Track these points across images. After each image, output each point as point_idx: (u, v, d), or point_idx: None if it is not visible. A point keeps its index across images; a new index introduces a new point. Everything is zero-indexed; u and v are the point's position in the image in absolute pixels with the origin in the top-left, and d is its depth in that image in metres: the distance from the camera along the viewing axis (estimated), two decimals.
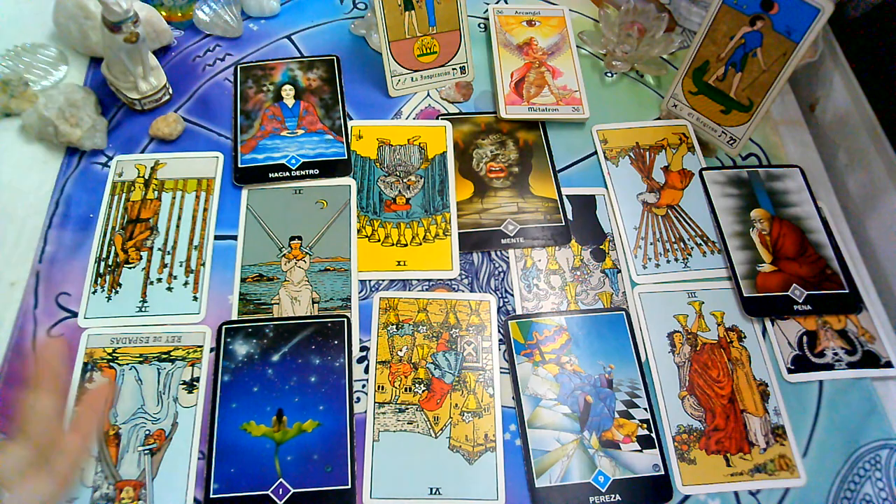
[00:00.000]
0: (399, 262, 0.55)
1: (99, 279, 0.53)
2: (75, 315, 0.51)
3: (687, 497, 0.48)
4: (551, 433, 0.49)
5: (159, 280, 0.53)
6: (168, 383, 0.48)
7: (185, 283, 0.53)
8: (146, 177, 0.58)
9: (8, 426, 0.46)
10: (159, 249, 0.54)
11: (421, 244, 0.56)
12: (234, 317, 0.51)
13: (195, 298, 0.52)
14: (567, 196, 0.60)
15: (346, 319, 0.51)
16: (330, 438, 0.47)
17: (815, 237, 0.58)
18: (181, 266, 0.54)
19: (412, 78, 0.65)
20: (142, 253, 0.54)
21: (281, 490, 0.45)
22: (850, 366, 0.53)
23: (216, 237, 0.55)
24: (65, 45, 0.64)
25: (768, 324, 0.55)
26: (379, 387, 0.49)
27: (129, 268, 0.53)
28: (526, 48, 0.68)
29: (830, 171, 0.66)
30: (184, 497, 0.45)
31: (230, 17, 0.67)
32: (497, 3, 0.74)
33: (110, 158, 0.59)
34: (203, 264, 0.54)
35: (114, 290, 0.52)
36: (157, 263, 0.54)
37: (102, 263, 0.53)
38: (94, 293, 0.52)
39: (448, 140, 0.62)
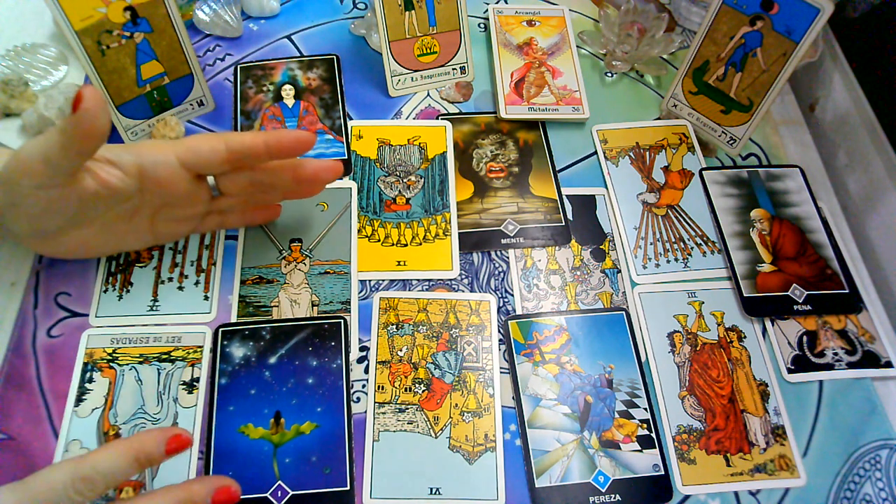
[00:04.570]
0: (399, 262, 0.55)
1: (110, 278, 0.53)
2: (75, 315, 0.51)
3: (687, 497, 0.48)
4: (551, 433, 0.49)
5: (170, 279, 0.53)
6: (168, 384, 0.49)
7: (196, 283, 0.53)
8: None
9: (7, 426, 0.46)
10: (170, 248, 0.54)
11: (421, 244, 0.56)
12: (234, 319, 0.51)
13: (206, 298, 0.52)
14: (567, 196, 0.60)
15: (343, 320, 0.51)
16: (328, 440, 0.47)
17: (815, 237, 0.58)
18: (192, 265, 0.54)
19: (412, 78, 0.65)
20: (153, 252, 0.54)
21: (279, 492, 0.45)
22: (850, 366, 0.53)
23: (227, 237, 0.56)
24: (64, 46, 0.64)
25: (768, 324, 0.55)
26: (379, 387, 0.49)
27: (141, 266, 0.53)
28: (526, 48, 0.68)
29: (830, 171, 0.66)
30: None
31: (230, 17, 0.67)
32: (497, 3, 0.74)
33: None
34: (214, 263, 0.54)
35: (125, 290, 0.52)
36: (168, 262, 0.54)
37: (114, 262, 0.53)
38: (105, 292, 0.52)
39: (448, 140, 0.62)
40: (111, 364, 0.49)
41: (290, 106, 0.62)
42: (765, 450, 0.49)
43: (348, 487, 0.45)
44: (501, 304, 0.54)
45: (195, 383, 0.49)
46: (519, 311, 0.54)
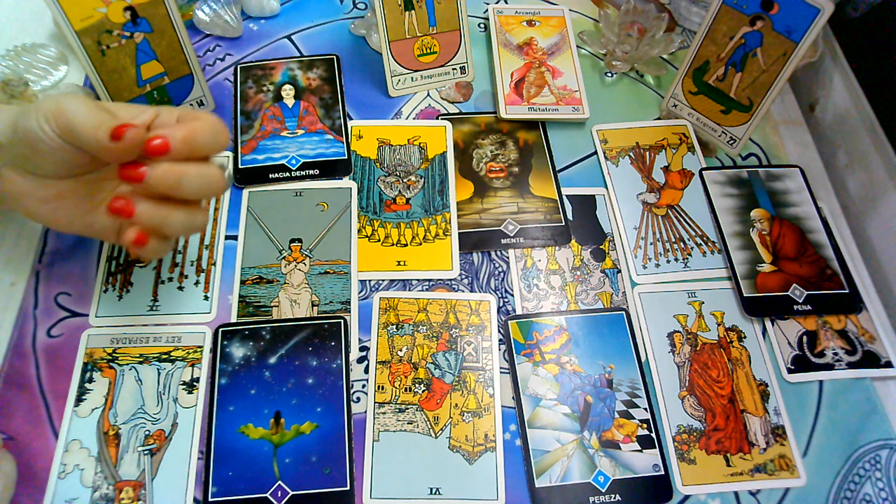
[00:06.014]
0: (399, 262, 0.55)
1: (110, 278, 0.53)
2: (75, 315, 0.51)
3: (687, 497, 0.48)
4: (551, 433, 0.49)
5: (170, 279, 0.53)
6: (168, 384, 0.49)
7: (196, 283, 0.53)
8: None
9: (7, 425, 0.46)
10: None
11: (421, 244, 0.56)
12: (234, 318, 0.51)
13: (206, 298, 0.52)
14: (567, 196, 0.60)
15: (343, 320, 0.51)
16: (328, 440, 0.47)
17: (815, 237, 0.58)
18: (192, 265, 0.54)
19: (412, 78, 0.65)
20: None
21: (279, 492, 0.45)
22: (850, 366, 0.53)
23: (227, 237, 0.56)
24: (64, 46, 0.64)
25: (768, 324, 0.55)
26: (379, 387, 0.49)
27: (141, 267, 0.53)
28: (526, 48, 0.68)
29: (830, 171, 0.66)
30: (183, 497, 0.45)
31: (230, 17, 0.67)
32: (497, 3, 0.74)
33: None
34: (214, 263, 0.54)
35: (125, 290, 0.52)
36: (168, 262, 0.54)
37: (114, 262, 0.53)
38: (105, 292, 0.52)
39: (448, 140, 0.62)
40: (111, 364, 0.49)
41: (290, 106, 0.62)
42: (765, 450, 0.49)
43: (348, 487, 0.45)
44: (501, 304, 0.54)
45: (195, 383, 0.49)
46: (519, 311, 0.54)
